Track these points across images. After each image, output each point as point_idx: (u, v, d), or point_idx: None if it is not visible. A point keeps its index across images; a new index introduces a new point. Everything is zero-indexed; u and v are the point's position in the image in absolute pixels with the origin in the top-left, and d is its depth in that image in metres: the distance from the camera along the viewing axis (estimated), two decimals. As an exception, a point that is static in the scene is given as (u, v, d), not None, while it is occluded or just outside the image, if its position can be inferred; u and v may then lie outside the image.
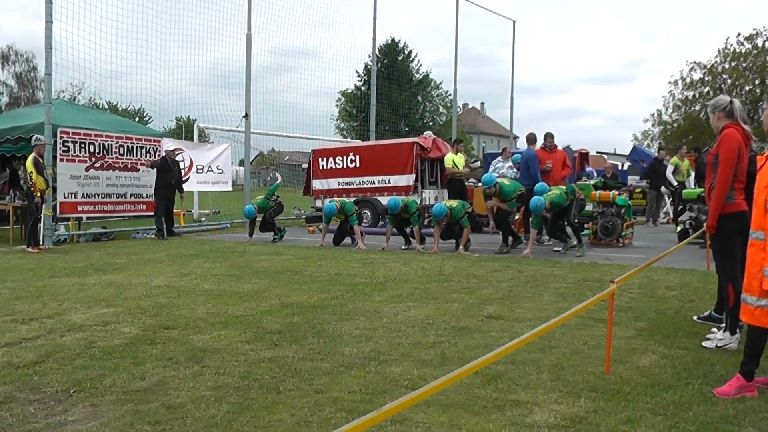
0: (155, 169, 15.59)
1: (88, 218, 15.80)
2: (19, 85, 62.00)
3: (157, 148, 16.41)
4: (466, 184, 16.17)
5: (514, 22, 29.78)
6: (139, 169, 16.03)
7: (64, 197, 14.30)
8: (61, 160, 14.14)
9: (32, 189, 12.76)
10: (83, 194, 14.78)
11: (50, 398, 4.30)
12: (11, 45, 62.21)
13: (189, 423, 3.81)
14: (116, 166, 15.47)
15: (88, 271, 9.82)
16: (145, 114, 50.00)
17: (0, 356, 5.29)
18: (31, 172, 12.76)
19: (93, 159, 14.91)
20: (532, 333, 3.54)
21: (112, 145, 15.37)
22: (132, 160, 15.95)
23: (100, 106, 33.76)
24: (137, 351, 5.36)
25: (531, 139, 13.61)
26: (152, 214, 15.99)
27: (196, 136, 20.08)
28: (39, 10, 14.19)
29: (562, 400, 4.10)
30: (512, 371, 4.66)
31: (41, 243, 13.17)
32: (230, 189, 20.63)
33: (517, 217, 15.58)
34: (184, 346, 5.50)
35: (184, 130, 24.87)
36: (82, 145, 14.70)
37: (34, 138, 13.23)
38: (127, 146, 15.83)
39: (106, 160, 15.14)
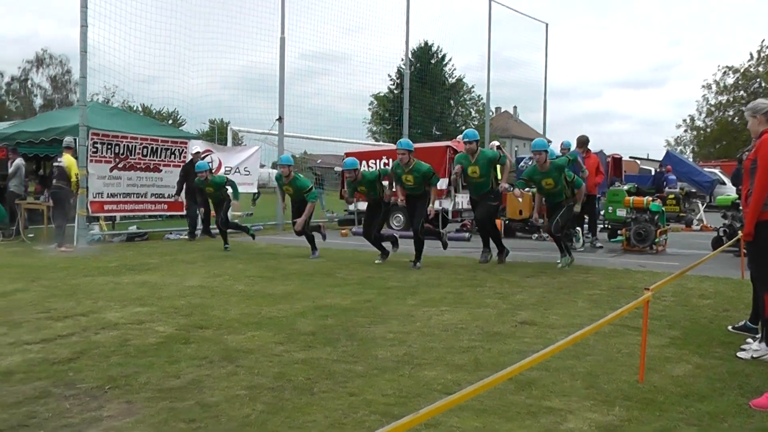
0: (184, 172, 15.71)
1: (122, 217, 16.02)
2: (53, 88, 63.20)
3: (182, 150, 16.55)
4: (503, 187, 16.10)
5: (546, 25, 29.55)
6: (161, 170, 16.20)
7: (93, 197, 14.50)
8: (91, 161, 14.32)
9: (74, 188, 13.07)
10: (108, 194, 15.02)
11: (85, 394, 4.34)
12: (46, 48, 63.27)
13: (224, 422, 3.83)
14: (138, 166, 15.67)
15: (122, 271, 9.91)
16: (178, 117, 50.72)
17: (35, 352, 5.35)
18: (77, 173, 13.09)
19: (117, 160, 15.10)
20: (566, 340, 3.49)
21: (135, 146, 15.59)
22: (155, 160, 16.15)
23: (134, 109, 34.22)
24: (171, 350, 5.40)
25: (582, 141, 13.43)
26: (174, 214, 16.22)
27: (229, 139, 20.20)
28: (74, 16, 14.35)
29: (596, 408, 4.05)
30: (546, 378, 4.61)
31: (74, 242, 13.37)
32: (255, 190, 20.76)
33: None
34: (218, 345, 5.52)
35: (217, 132, 25.09)
36: (109, 147, 14.92)
37: (65, 140, 13.50)
38: (151, 147, 16.02)
39: (128, 161, 15.33)
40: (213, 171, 14.30)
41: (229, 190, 13.36)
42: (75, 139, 14.00)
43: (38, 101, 63.32)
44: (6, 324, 6.34)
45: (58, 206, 13.28)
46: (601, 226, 14.76)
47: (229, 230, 13.51)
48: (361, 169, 11.24)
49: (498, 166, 10.83)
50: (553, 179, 10.05)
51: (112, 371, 4.81)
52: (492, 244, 11.12)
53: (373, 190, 10.98)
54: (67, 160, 13.34)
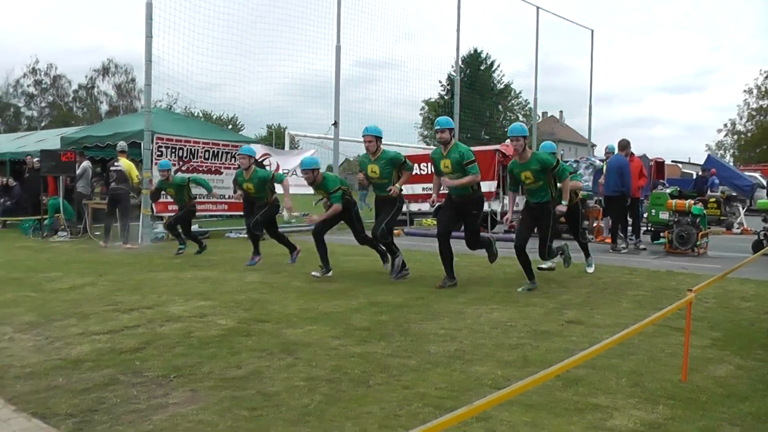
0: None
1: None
2: (118, 95, 65.37)
3: None
4: None
5: (592, 31, 29.46)
6: (222, 172, 16.72)
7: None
8: (156, 163, 14.76)
9: (136, 189, 13.62)
10: None
11: (151, 382, 4.52)
12: (111, 58, 65.47)
13: (284, 410, 3.96)
14: (201, 169, 16.18)
15: (185, 267, 10.21)
16: (237, 122, 51.70)
17: (103, 342, 5.58)
18: (137, 174, 13.64)
19: (181, 162, 15.57)
20: (611, 339, 3.54)
21: (198, 150, 16.14)
22: (216, 163, 16.75)
23: (196, 115, 34.97)
24: (233, 342, 5.59)
25: (623, 145, 13.41)
26: (234, 214, 16.59)
27: (287, 144, 20.57)
28: (138, 29, 14.85)
29: (640, 406, 4.09)
30: (592, 376, 4.66)
31: (139, 240, 13.85)
32: (312, 192, 21.09)
33: (595, 225, 15.37)
34: (277, 338, 5.70)
35: (275, 137, 25.55)
36: (173, 150, 15.42)
37: (119, 144, 14.46)
38: (213, 151, 16.55)
39: (191, 164, 15.83)
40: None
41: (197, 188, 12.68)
42: (141, 143, 14.53)
43: (104, 108, 65.69)
44: (75, 315, 6.63)
45: (119, 206, 13.76)
46: (645, 228, 14.67)
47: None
48: (324, 172, 9.73)
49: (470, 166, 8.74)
50: (533, 173, 8.37)
51: (177, 361, 5.01)
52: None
53: (335, 197, 9.39)
54: (125, 163, 13.91)
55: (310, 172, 9.30)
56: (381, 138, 9.19)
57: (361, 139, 9.16)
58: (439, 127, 8.68)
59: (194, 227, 16.23)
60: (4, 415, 3.95)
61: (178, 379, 4.60)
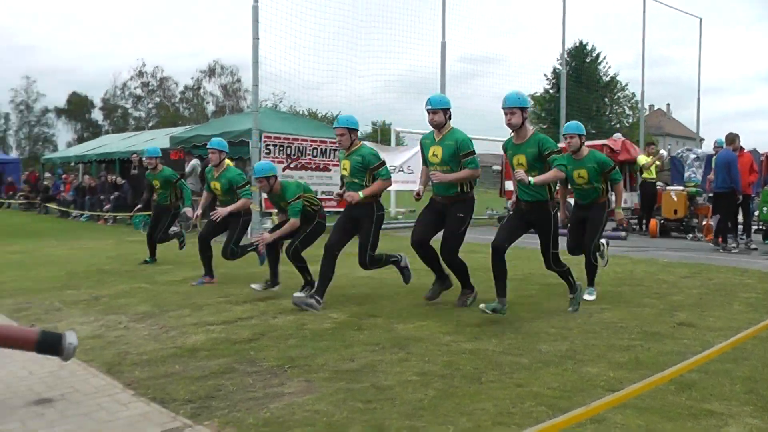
0: None
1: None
2: (224, 95, 67.66)
3: None
4: (657, 186, 15.72)
5: (700, 19, 28.53)
6: (330, 169, 16.99)
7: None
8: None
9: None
10: None
11: (267, 372, 4.67)
12: (217, 60, 67.77)
13: (398, 404, 4.01)
14: (309, 166, 16.55)
15: (295, 261, 10.39)
16: (342, 120, 52.63)
17: (218, 332, 5.80)
18: None
19: (289, 160, 15.92)
20: (725, 343, 3.43)
21: (306, 147, 16.50)
22: (324, 160, 17.06)
23: (300, 113, 35.70)
24: (345, 335, 5.69)
25: (731, 139, 12.86)
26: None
27: (393, 140, 20.76)
28: (240, 30, 15.42)
29: (756, 415, 3.91)
30: (705, 380, 4.49)
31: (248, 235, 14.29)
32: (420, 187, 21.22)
33: (704, 222, 14.81)
34: (389, 333, 5.77)
35: (380, 134, 25.84)
36: (281, 148, 15.80)
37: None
38: (321, 149, 16.85)
39: (300, 161, 16.18)
40: None
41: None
42: (249, 141, 14.92)
43: (210, 108, 68.18)
44: (189, 306, 6.92)
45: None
46: (756, 227, 14.03)
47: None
48: (281, 179, 8.14)
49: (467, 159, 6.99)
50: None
51: (291, 352, 5.14)
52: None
53: (293, 208, 7.72)
54: None
55: (264, 180, 7.66)
56: (356, 130, 7.39)
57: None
58: (429, 107, 6.94)
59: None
60: (123, 398, 4.17)
61: (292, 369, 4.72)
